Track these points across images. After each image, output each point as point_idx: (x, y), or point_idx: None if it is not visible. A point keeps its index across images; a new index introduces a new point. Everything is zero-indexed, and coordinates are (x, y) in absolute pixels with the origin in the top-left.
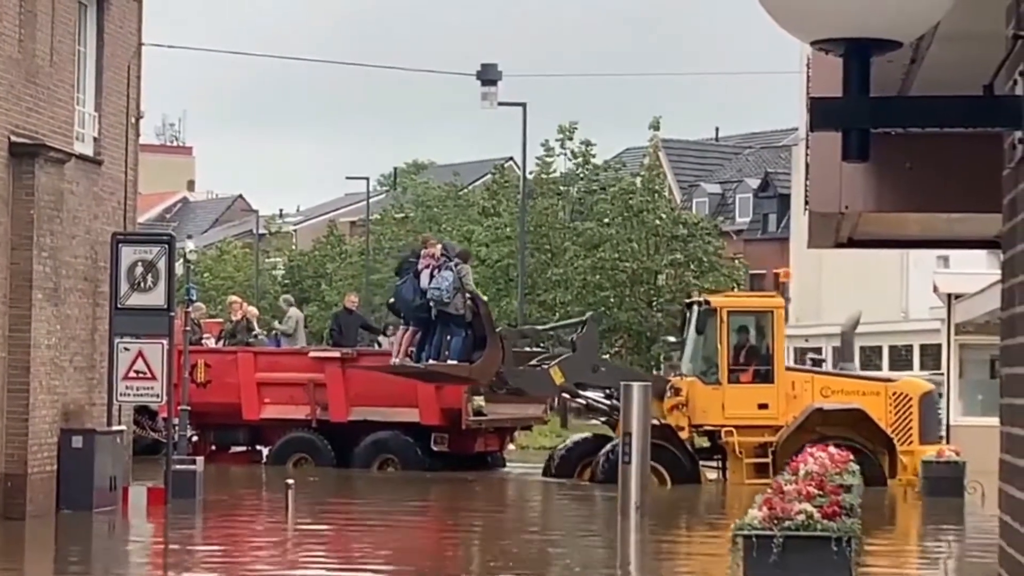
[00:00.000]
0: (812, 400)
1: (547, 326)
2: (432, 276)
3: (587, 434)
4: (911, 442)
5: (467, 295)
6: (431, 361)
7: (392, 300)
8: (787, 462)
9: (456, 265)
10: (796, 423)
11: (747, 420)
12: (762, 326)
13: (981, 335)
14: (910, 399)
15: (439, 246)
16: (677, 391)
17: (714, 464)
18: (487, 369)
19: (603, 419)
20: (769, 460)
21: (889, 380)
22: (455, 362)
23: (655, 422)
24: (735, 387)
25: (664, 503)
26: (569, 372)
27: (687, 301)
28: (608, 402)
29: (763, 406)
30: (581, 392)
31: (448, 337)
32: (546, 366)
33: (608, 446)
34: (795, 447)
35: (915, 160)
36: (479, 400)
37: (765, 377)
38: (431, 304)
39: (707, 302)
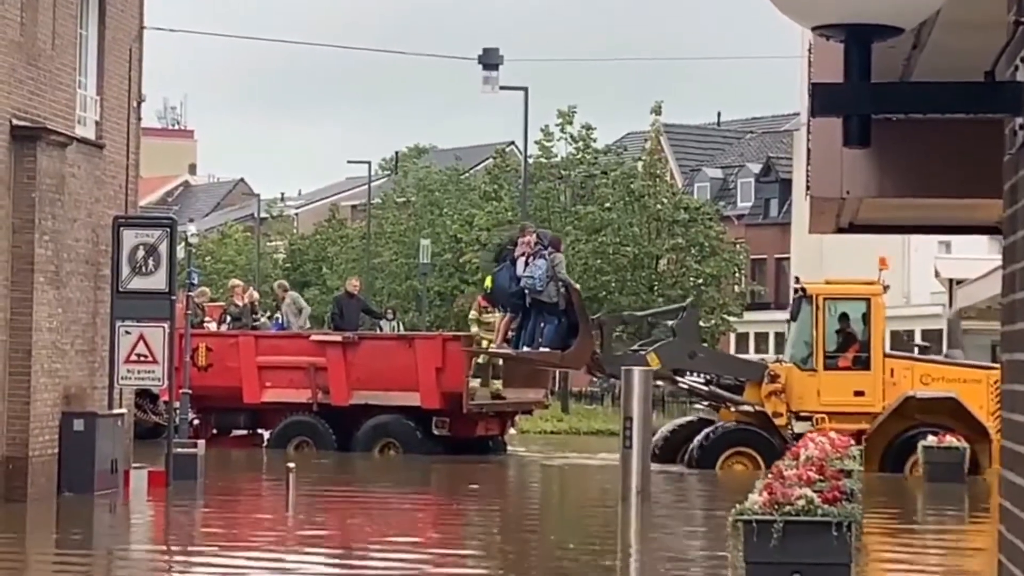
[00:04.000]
0: (912, 387)
1: (646, 312)
2: (527, 264)
3: (691, 417)
4: None
5: (560, 283)
6: (525, 348)
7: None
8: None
9: (549, 253)
10: (889, 411)
11: (842, 407)
12: (859, 312)
13: (983, 320)
14: None
15: (535, 234)
16: (774, 377)
17: None
18: (579, 356)
19: (706, 404)
20: (862, 448)
21: (991, 368)
22: (547, 349)
23: (749, 408)
24: (831, 374)
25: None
26: (666, 358)
27: (795, 287)
28: (707, 388)
29: (859, 393)
30: (679, 378)
31: (542, 324)
32: (643, 352)
33: (704, 432)
34: (888, 435)
35: (916, 146)
36: (497, 384)
37: (862, 364)
38: (526, 292)
39: (803, 289)
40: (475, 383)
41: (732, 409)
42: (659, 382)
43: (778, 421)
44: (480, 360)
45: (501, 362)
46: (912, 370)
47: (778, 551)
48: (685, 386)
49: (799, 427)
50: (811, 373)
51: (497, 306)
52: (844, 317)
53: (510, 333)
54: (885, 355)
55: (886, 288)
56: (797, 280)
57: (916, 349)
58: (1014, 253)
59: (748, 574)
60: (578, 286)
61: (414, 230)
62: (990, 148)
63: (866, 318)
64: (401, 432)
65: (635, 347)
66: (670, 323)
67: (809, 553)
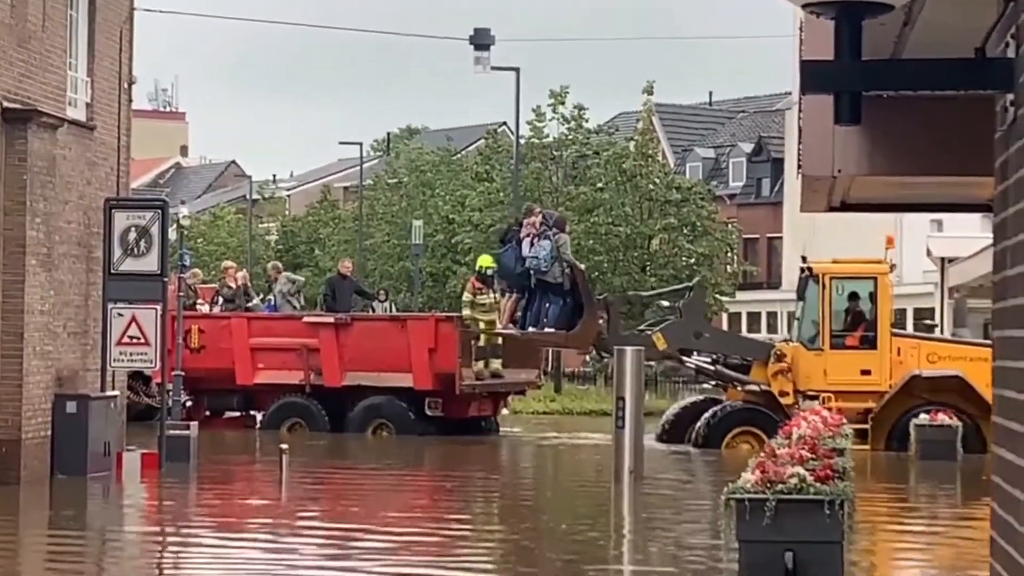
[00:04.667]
0: (918, 366)
1: (653, 292)
2: (532, 245)
3: (698, 397)
4: None
5: (565, 264)
6: (530, 329)
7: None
8: (888, 428)
9: (554, 234)
10: (895, 390)
11: (849, 386)
12: (866, 292)
13: (975, 298)
14: None
15: (540, 215)
16: (781, 357)
17: None
18: (584, 337)
19: (714, 383)
20: (869, 426)
21: None
22: (552, 330)
23: (756, 388)
24: (837, 353)
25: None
26: (672, 338)
27: (802, 266)
28: (714, 368)
29: (866, 372)
30: (685, 358)
31: (547, 305)
32: (649, 332)
33: (710, 411)
34: (895, 413)
35: (908, 124)
36: (496, 363)
37: (869, 343)
38: (531, 272)
39: (810, 268)
40: (479, 365)
41: (739, 389)
42: (666, 362)
43: (784, 400)
44: (480, 342)
45: (501, 342)
46: (919, 349)
47: (770, 529)
48: (692, 366)
49: (806, 407)
50: (818, 352)
51: (491, 287)
52: (851, 296)
53: (516, 314)
54: (892, 334)
55: (893, 267)
56: (804, 260)
57: (923, 328)
58: (1005, 230)
59: (741, 552)
60: (583, 266)
61: (406, 211)
62: (982, 125)
63: (873, 297)
64: (394, 413)
65: (641, 327)
66: (664, 303)
67: (801, 531)
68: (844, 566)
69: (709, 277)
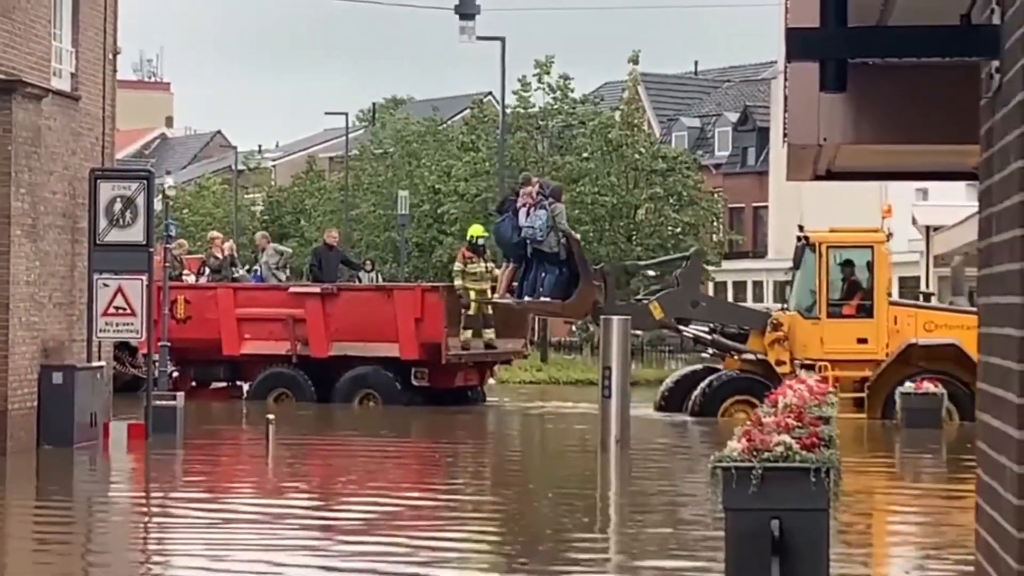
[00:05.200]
0: (915, 335)
1: (650, 262)
2: (528, 214)
3: (697, 366)
4: None
5: (561, 233)
6: (526, 298)
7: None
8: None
9: (550, 204)
10: (891, 358)
11: (845, 355)
12: (862, 260)
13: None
14: None
15: (537, 185)
16: (777, 326)
17: None
18: (580, 306)
19: (711, 353)
20: (865, 395)
21: None
22: (548, 299)
23: (752, 356)
24: (834, 321)
25: None
26: (669, 307)
27: (798, 235)
28: (711, 337)
29: (862, 341)
30: (682, 328)
31: (543, 274)
32: (646, 301)
33: (707, 380)
34: (891, 382)
35: (894, 92)
36: (489, 333)
37: (865, 312)
38: (527, 242)
39: (806, 237)
40: (467, 334)
41: (736, 358)
42: (661, 331)
43: (781, 369)
44: (471, 311)
45: (491, 311)
46: (915, 317)
47: (757, 497)
48: (689, 335)
49: (803, 376)
50: (815, 321)
51: (482, 256)
52: (848, 265)
53: (514, 283)
54: (889, 303)
55: (889, 236)
56: (800, 229)
57: (920, 297)
58: (990, 197)
59: (727, 520)
60: (578, 236)
61: (392, 181)
62: (967, 93)
63: (870, 266)
64: (380, 383)
65: (639, 296)
66: (651, 273)
67: (788, 499)
68: (830, 533)
69: (703, 247)
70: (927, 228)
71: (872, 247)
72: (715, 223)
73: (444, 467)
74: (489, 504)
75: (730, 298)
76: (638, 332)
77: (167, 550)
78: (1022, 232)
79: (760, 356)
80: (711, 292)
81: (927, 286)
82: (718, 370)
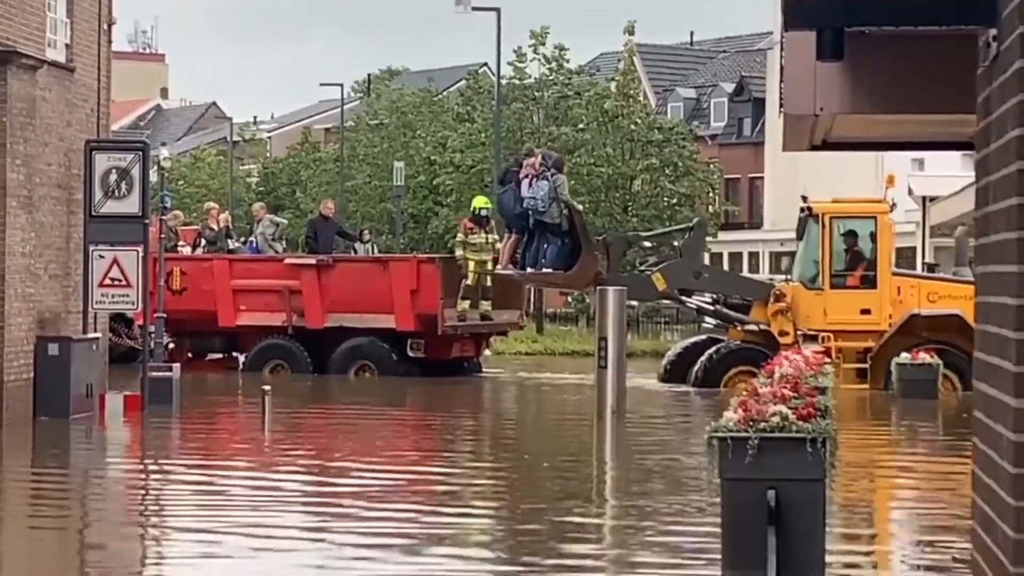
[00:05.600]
0: (919, 305)
1: (653, 232)
2: (531, 185)
3: (701, 337)
4: None
5: (563, 204)
6: (528, 270)
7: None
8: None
9: (552, 175)
10: (894, 329)
11: (849, 325)
12: (866, 231)
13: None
14: None
15: (539, 156)
16: (780, 297)
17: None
18: (582, 277)
19: (715, 323)
20: (868, 366)
21: None
22: (550, 270)
23: (755, 327)
24: (837, 292)
25: None
26: (671, 278)
27: (802, 206)
28: (714, 307)
29: (866, 311)
30: (685, 298)
31: (545, 245)
32: (648, 272)
33: (710, 351)
34: (893, 352)
35: (890, 61)
36: (486, 305)
37: (869, 282)
38: (529, 213)
39: (810, 208)
40: (464, 304)
41: (739, 328)
42: (663, 302)
43: (784, 340)
44: (469, 281)
45: (490, 283)
46: (919, 288)
47: (753, 467)
48: (692, 306)
49: (807, 347)
50: (818, 292)
51: (483, 227)
52: (851, 235)
53: (516, 255)
54: (892, 273)
55: (893, 206)
56: (804, 199)
57: (924, 267)
58: (987, 166)
59: (723, 490)
60: (580, 207)
61: (387, 153)
62: (963, 62)
63: (873, 236)
64: (376, 354)
65: (642, 267)
66: (647, 244)
67: (784, 469)
68: (826, 503)
69: (691, 217)
70: (923, 199)
71: (875, 217)
72: (711, 194)
73: (440, 438)
74: (486, 473)
75: (726, 269)
76: (634, 303)
77: (164, 519)
78: (1019, 201)
79: (763, 327)
80: (706, 263)
81: (923, 257)
82: (722, 341)
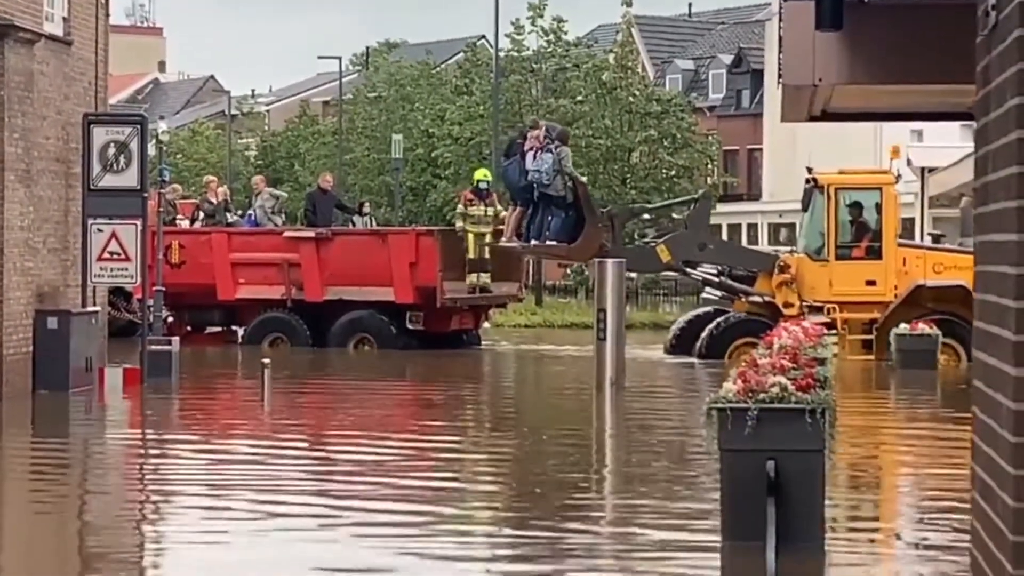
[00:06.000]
0: (924, 276)
1: (658, 204)
2: (535, 158)
3: (708, 308)
4: None
5: (567, 177)
6: (533, 242)
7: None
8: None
9: (556, 147)
10: (899, 300)
11: (854, 296)
12: (871, 202)
13: (955, 207)
14: None
15: (544, 128)
16: (785, 268)
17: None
18: (586, 249)
19: (721, 295)
20: (873, 337)
21: None
22: (554, 242)
23: (758, 299)
24: (843, 263)
25: None
26: (676, 250)
27: (807, 177)
28: (719, 279)
29: (871, 283)
30: (690, 270)
31: (549, 218)
32: (653, 244)
33: (714, 323)
34: (899, 323)
35: (889, 31)
36: (485, 277)
37: (874, 253)
38: (534, 185)
39: (815, 179)
40: (473, 277)
41: (744, 300)
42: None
43: (789, 311)
44: (470, 254)
45: (488, 256)
46: (924, 259)
47: (752, 438)
48: (698, 277)
49: (812, 319)
50: (823, 263)
51: (484, 200)
52: (856, 206)
53: (521, 228)
54: (898, 244)
55: (898, 177)
56: (809, 171)
57: (929, 238)
58: (987, 135)
59: (723, 461)
60: (584, 179)
61: (386, 125)
62: (962, 32)
63: (879, 207)
64: (375, 327)
65: (647, 239)
66: (646, 216)
67: (783, 440)
68: (826, 473)
69: (690, 189)
70: (922, 169)
71: (881, 188)
72: (709, 166)
73: (440, 409)
74: (485, 444)
75: (731, 241)
76: (632, 275)
77: (164, 491)
78: (1018, 170)
79: (768, 298)
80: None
81: (922, 227)
82: (726, 311)
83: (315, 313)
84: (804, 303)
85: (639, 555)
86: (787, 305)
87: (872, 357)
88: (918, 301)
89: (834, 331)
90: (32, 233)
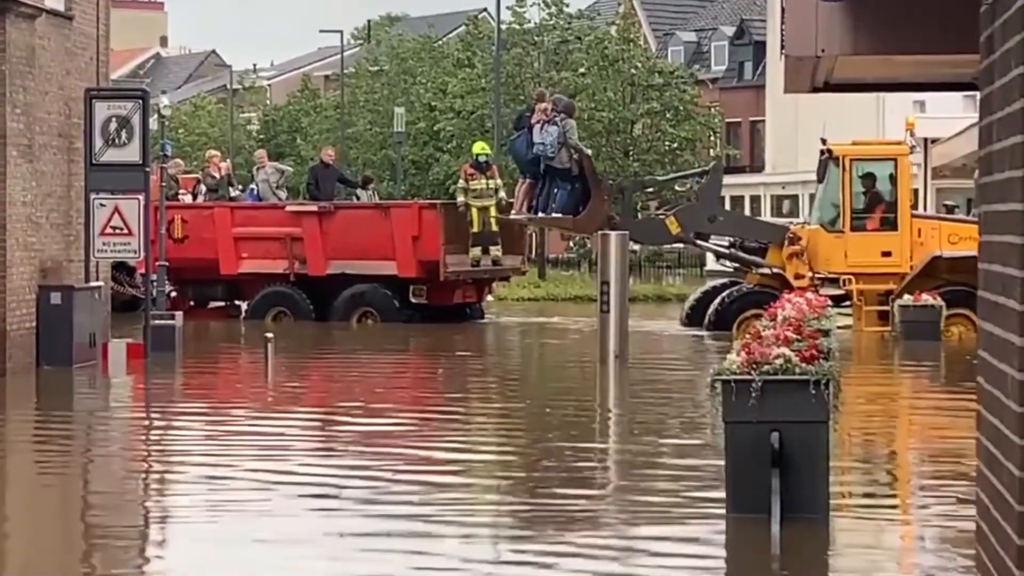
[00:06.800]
0: (939, 247)
1: (669, 176)
2: (541, 130)
3: (723, 280)
4: None
5: (572, 149)
6: (539, 214)
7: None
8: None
9: (562, 120)
10: (915, 271)
11: (869, 268)
12: (885, 173)
13: (957, 179)
14: None
15: (550, 101)
16: (795, 240)
17: (848, 311)
18: (591, 222)
19: (734, 267)
20: (889, 308)
21: None
22: (559, 215)
23: (767, 271)
24: (858, 235)
25: None
26: (686, 222)
27: (821, 148)
28: (730, 251)
29: (886, 254)
30: (700, 242)
31: (555, 190)
32: (663, 216)
33: (723, 294)
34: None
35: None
36: (496, 250)
37: (889, 224)
38: (540, 158)
39: (829, 151)
40: (476, 251)
41: (754, 272)
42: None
43: (799, 283)
44: (474, 228)
45: (496, 228)
46: (939, 230)
47: (756, 410)
48: (709, 249)
49: (827, 290)
50: (838, 235)
51: (484, 173)
52: (870, 177)
53: (533, 200)
54: (912, 215)
55: (913, 149)
56: (824, 142)
57: (944, 209)
58: (991, 104)
59: (727, 433)
60: (590, 151)
61: (388, 99)
62: (965, 2)
63: (893, 179)
64: (378, 301)
65: (658, 211)
66: (649, 190)
67: (787, 411)
68: (830, 445)
69: (692, 161)
70: (925, 140)
71: (895, 160)
72: (712, 138)
73: (443, 382)
74: (489, 416)
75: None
76: (635, 247)
77: (169, 464)
78: (1023, 139)
79: (776, 270)
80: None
81: (925, 198)
82: (738, 283)
83: (318, 287)
84: (816, 275)
85: (643, 526)
86: (798, 277)
87: (888, 328)
88: (934, 272)
89: (849, 302)
90: (35, 208)
